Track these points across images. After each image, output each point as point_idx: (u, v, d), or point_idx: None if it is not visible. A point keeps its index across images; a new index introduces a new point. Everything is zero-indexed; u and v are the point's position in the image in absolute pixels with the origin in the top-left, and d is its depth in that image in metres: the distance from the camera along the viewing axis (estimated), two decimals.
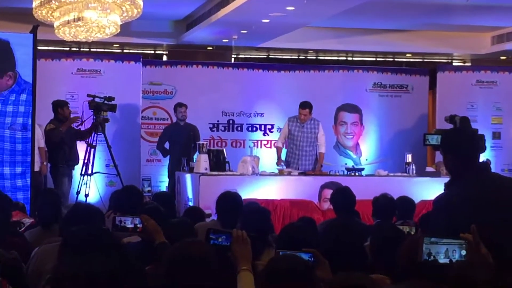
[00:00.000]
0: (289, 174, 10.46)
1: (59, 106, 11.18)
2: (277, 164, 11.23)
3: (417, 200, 8.42)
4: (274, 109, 13.34)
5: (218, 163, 10.38)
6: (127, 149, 12.36)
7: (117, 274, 2.35)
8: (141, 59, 12.95)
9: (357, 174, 10.89)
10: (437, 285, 3.14)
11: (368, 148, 13.73)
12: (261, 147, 13.20)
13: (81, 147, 11.30)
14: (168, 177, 12.00)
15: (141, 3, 9.85)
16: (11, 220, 6.37)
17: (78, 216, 4.72)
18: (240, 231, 3.88)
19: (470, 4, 12.01)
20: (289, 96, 13.10)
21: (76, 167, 11.26)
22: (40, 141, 10.89)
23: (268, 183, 10.10)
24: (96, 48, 14.58)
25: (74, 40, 10.77)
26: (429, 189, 9.58)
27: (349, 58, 15.98)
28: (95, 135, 11.16)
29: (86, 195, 10.84)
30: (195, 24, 13.30)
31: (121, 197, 7.04)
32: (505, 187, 4.01)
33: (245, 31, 12.95)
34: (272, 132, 13.37)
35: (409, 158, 10.86)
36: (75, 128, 11.31)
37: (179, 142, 11.82)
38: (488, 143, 13.03)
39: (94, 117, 11.18)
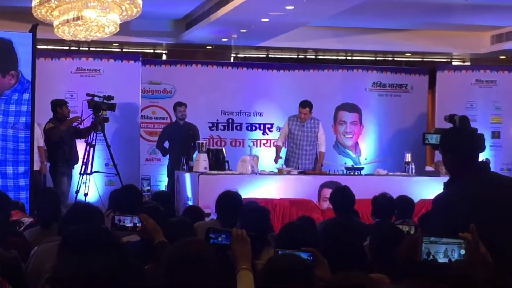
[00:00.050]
0: (288, 173, 10.46)
1: (58, 106, 11.18)
2: (275, 161, 11.24)
3: (416, 199, 8.42)
4: (274, 108, 13.34)
5: (218, 162, 10.38)
6: (126, 148, 12.36)
7: (117, 273, 2.35)
8: (141, 58, 12.94)
9: (356, 173, 10.89)
10: (436, 285, 3.14)
11: (367, 148, 13.73)
12: (260, 146, 13.20)
13: (80, 146, 11.30)
14: (168, 176, 12.00)
15: (141, 2, 9.85)
16: (10, 220, 6.38)
17: (78, 215, 4.72)
18: (240, 230, 3.88)
19: (469, 3, 12.00)
20: (289, 95, 13.10)
21: (75, 166, 11.26)
22: (39, 140, 10.89)
23: (267, 182, 10.10)
24: (96, 47, 14.58)
25: (74, 39, 10.77)
26: (428, 189, 9.59)
27: (349, 58, 15.97)
28: (95, 134, 11.15)
29: (86, 194, 10.83)
30: (195, 23, 13.29)
31: (120, 197, 7.04)
32: (504, 187, 4.01)
33: (245, 30, 12.95)
34: (271, 131, 13.37)
35: (408, 157, 10.86)
36: (74, 126, 11.31)
37: (179, 141, 11.82)
38: (488, 142, 13.03)
39: (94, 116, 11.18)
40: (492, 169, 4.52)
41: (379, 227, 5.38)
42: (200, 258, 3.41)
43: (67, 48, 14.35)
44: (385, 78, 13.85)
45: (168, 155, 12.12)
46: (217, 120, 13.29)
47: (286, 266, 3.36)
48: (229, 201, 6.58)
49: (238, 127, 13.37)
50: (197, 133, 12.03)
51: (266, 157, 11.93)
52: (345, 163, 12.65)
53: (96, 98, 11.26)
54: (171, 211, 7.64)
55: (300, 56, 15.98)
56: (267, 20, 11.91)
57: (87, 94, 11.33)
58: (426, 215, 6.52)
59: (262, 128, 13.43)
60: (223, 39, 13.96)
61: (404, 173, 10.76)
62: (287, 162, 11.21)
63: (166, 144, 12.16)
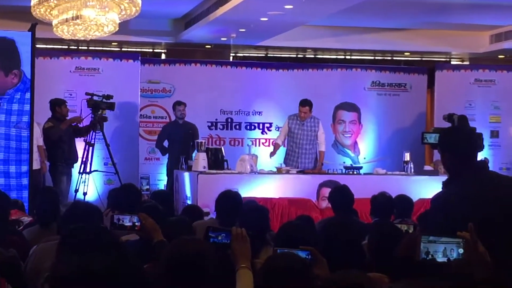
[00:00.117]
0: (287, 172, 10.47)
1: (57, 105, 11.19)
2: (270, 155, 11.26)
3: (415, 198, 8.42)
4: (273, 107, 13.35)
5: (217, 161, 10.38)
6: (125, 148, 12.37)
7: (116, 273, 2.35)
8: (140, 58, 12.94)
9: (355, 172, 10.89)
10: (435, 284, 3.14)
11: (366, 147, 13.73)
12: (259, 145, 13.21)
13: (79, 145, 11.30)
14: (167, 175, 12.01)
15: (140, 2, 9.85)
16: (10, 219, 6.38)
17: (77, 215, 4.72)
18: (239, 229, 3.88)
19: (468, 2, 12.01)
20: (288, 94, 13.11)
21: (74, 165, 11.26)
22: (39, 139, 10.89)
23: (266, 181, 10.11)
24: (95, 47, 14.57)
25: (73, 38, 10.77)
26: (427, 188, 9.59)
27: (348, 57, 15.97)
28: (94, 133, 11.16)
29: (85, 194, 10.84)
30: (194, 23, 13.29)
31: (119, 196, 7.04)
32: (503, 186, 4.01)
33: (244, 30, 12.95)
34: (270, 130, 13.37)
35: (407, 156, 10.86)
36: (74, 125, 11.31)
37: (178, 140, 11.82)
38: (486, 141, 13.03)
39: (93, 116, 11.18)
40: (490, 169, 4.51)
41: (378, 226, 5.38)
42: (199, 257, 3.41)
43: (66, 47, 14.34)
44: (384, 78, 13.86)
45: (167, 154, 12.12)
46: (216, 119, 13.29)
47: (285, 265, 3.36)
48: (229, 200, 6.57)
49: (237, 126, 13.37)
50: (197, 132, 12.04)
51: (265, 156, 11.93)
52: (344, 163, 12.67)
53: (95, 97, 11.27)
54: (170, 210, 7.65)
55: (299, 56, 15.98)
56: (266, 19, 11.91)
57: (86, 93, 11.33)
58: (425, 214, 6.52)
59: (261, 127, 13.43)
60: (222, 39, 13.95)
61: (403, 173, 10.77)
62: (286, 161, 11.21)
63: (166, 143, 12.16)
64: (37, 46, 10.76)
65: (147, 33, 14.19)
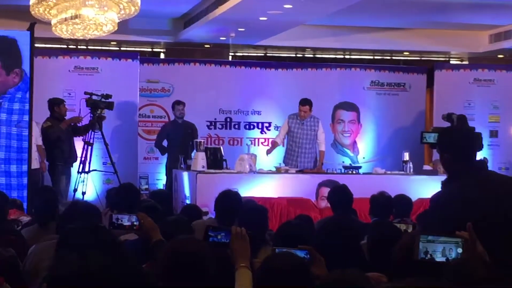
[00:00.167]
0: (286, 172, 10.46)
1: (55, 104, 11.18)
2: (267, 153, 11.27)
3: (414, 198, 8.42)
4: (272, 107, 13.35)
5: (215, 161, 10.37)
6: (124, 147, 12.37)
7: (114, 272, 2.35)
8: (139, 57, 12.94)
9: (354, 172, 10.89)
10: (434, 284, 3.14)
11: (365, 146, 13.74)
12: (258, 145, 13.21)
13: (78, 144, 11.30)
14: (166, 175, 12.01)
15: (139, 1, 9.84)
16: (8, 218, 6.38)
17: (75, 214, 4.72)
18: (239, 228, 3.88)
19: (467, 2, 12.01)
20: (287, 94, 13.12)
21: (73, 164, 11.26)
22: (38, 139, 10.89)
23: (265, 181, 10.10)
24: (94, 46, 14.57)
25: (72, 37, 10.75)
26: (426, 187, 9.58)
27: (347, 56, 15.97)
28: (92, 132, 11.15)
29: (83, 193, 10.84)
30: (193, 22, 13.28)
31: (118, 195, 7.04)
32: (502, 185, 4.01)
33: (243, 29, 12.94)
34: (269, 130, 13.37)
35: (406, 156, 10.86)
36: (72, 125, 11.31)
37: (177, 140, 11.82)
38: (485, 141, 13.03)
39: (92, 115, 11.18)
40: (490, 168, 4.51)
41: (377, 226, 5.38)
42: (196, 256, 3.42)
43: (65, 46, 14.33)
44: (383, 77, 13.87)
45: (166, 154, 12.12)
46: (215, 119, 13.29)
47: (283, 264, 3.36)
48: (229, 200, 6.54)
49: (236, 126, 13.37)
50: (196, 132, 12.04)
51: (264, 156, 11.92)
52: (343, 162, 12.66)
53: (94, 97, 11.26)
54: (169, 210, 7.65)
55: (298, 55, 15.98)
56: (265, 18, 11.90)
57: (85, 93, 11.33)
58: (424, 214, 6.53)
59: (260, 126, 13.43)
60: (221, 38, 13.95)
61: (402, 172, 10.77)
62: (286, 160, 11.21)
63: (165, 143, 12.15)
64: (36, 45, 10.76)
65: (146, 32, 14.19)
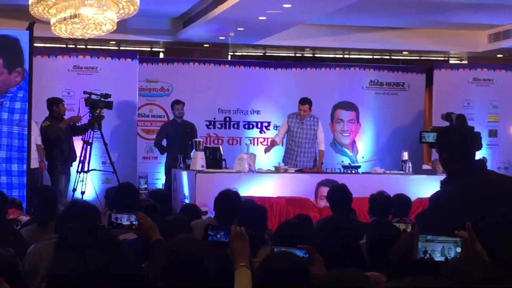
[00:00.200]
0: (285, 171, 10.46)
1: (54, 104, 11.18)
2: (265, 151, 11.29)
3: (413, 197, 8.43)
4: (271, 106, 13.35)
5: (215, 160, 10.37)
6: (123, 147, 12.37)
7: (113, 272, 2.35)
8: (138, 56, 12.94)
9: (353, 171, 10.89)
10: (433, 283, 3.14)
11: (364, 146, 13.74)
12: (257, 144, 13.20)
13: (77, 144, 11.29)
14: (165, 174, 12.01)
15: (138, 0, 9.84)
16: (7, 218, 6.38)
17: (74, 213, 4.72)
18: (238, 227, 3.88)
19: (466, 1, 12.01)
20: (286, 93, 13.12)
21: (73, 164, 11.26)
22: (37, 138, 10.90)
23: (264, 180, 10.10)
24: (93, 45, 14.56)
25: (71, 37, 10.75)
26: (425, 187, 9.58)
27: (346, 56, 15.97)
28: (92, 132, 11.15)
29: (82, 193, 10.84)
30: (192, 22, 13.28)
31: (117, 195, 7.04)
32: (501, 185, 4.01)
33: (242, 29, 12.94)
34: (268, 129, 13.37)
35: (405, 155, 10.86)
36: (71, 124, 11.31)
37: (177, 139, 11.82)
38: (485, 141, 13.03)
39: (91, 114, 11.18)
40: (489, 168, 4.52)
41: (376, 226, 5.39)
42: (195, 255, 3.41)
43: (64, 46, 14.33)
44: (382, 77, 13.87)
45: (166, 153, 12.12)
46: (214, 118, 13.29)
47: (282, 263, 3.37)
48: (228, 200, 6.54)
49: (235, 125, 13.37)
50: (195, 132, 12.04)
51: (263, 155, 11.93)
52: (342, 162, 12.67)
53: (93, 96, 11.27)
54: (168, 209, 7.65)
55: (297, 54, 15.98)
56: (264, 18, 11.90)
57: (84, 92, 11.33)
58: (423, 214, 6.53)
59: (259, 126, 13.42)
60: (221, 37, 13.95)
61: (401, 172, 10.77)
62: (285, 160, 11.21)
63: (164, 142, 12.15)
64: (35, 45, 10.76)
65: (145, 32, 14.18)
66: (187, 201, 9.96)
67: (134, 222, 4.45)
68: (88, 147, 11.10)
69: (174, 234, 4.09)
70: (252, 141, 13.17)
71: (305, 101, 11.09)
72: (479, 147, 11.52)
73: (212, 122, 13.28)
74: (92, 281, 2.28)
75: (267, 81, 13.44)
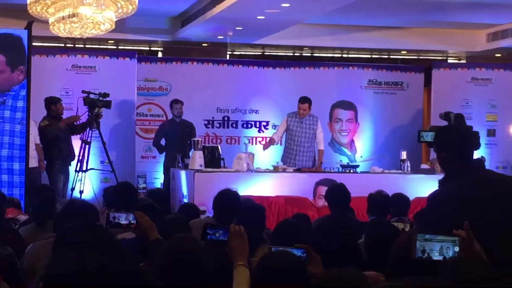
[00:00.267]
0: (284, 171, 10.46)
1: (52, 103, 11.17)
2: (264, 147, 11.30)
3: (411, 197, 8.43)
4: (269, 106, 13.34)
5: (213, 159, 10.38)
6: (122, 146, 12.36)
7: (112, 271, 2.35)
8: (136, 56, 12.93)
9: (352, 171, 10.89)
10: (431, 282, 3.14)
11: (363, 145, 13.74)
12: (256, 143, 13.20)
13: (76, 143, 11.29)
14: (164, 173, 12.01)
15: (136, 0, 9.84)
16: (6, 217, 6.38)
17: (73, 213, 4.72)
18: (237, 226, 3.88)
19: (465, 1, 12.02)
20: (284, 93, 13.12)
21: (71, 163, 11.25)
22: (36, 137, 10.89)
23: (263, 179, 10.10)
24: (91, 45, 14.56)
25: (69, 36, 10.75)
26: (424, 186, 9.58)
27: (344, 55, 15.98)
28: (90, 131, 11.15)
29: (81, 192, 10.84)
30: (190, 21, 13.28)
31: (115, 194, 7.04)
32: (499, 184, 4.01)
33: (240, 28, 12.95)
34: (267, 129, 13.37)
35: (404, 155, 10.87)
36: (70, 123, 11.30)
37: (175, 138, 11.82)
38: (483, 140, 13.04)
39: (89, 114, 11.17)
40: (487, 167, 4.52)
41: (374, 225, 5.39)
42: (193, 254, 3.42)
43: (63, 45, 14.32)
44: (381, 76, 13.86)
45: (164, 153, 12.12)
46: (213, 118, 13.29)
47: (279, 262, 3.36)
48: (227, 199, 6.52)
49: (234, 125, 13.37)
50: (194, 131, 12.04)
51: (262, 154, 11.93)
52: (341, 161, 12.66)
53: (91, 95, 11.26)
54: (166, 208, 7.65)
55: (295, 54, 15.99)
56: (262, 17, 11.90)
57: (83, 91, 11.32)
58: (421, 213, 6.53)
59: (257, 125, 13.42)
60: (219, 37, 13.95)
61: (400, 171, 10.77)
62: (284, 159, 11.21)
63: (163, 142, 12.15)
64: (34, 44, 10.76)
65: (144, 31, 14.19)
66: (185, 200, 9.96)
67: (132, 221, 4.45)
68: (87, 146, 11.09)
69: (172, 233, 4.09)
70: (250, 140, 13.17)
71: (304, 100, 11.09)
72: (477, 146, 11.51)
73: (211, 122, 13.28)
74: (90, 280, 2.28)
75: (266, 80, 13.43)
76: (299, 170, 10.59)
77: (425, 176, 10.29)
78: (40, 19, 10.22)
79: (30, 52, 9.98)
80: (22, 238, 5.51)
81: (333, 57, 15.77)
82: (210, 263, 3.44)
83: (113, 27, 10.20)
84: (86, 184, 10.97)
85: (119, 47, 15.05)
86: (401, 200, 7.60)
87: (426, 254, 3.25)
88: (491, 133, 13.74)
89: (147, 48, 15.39)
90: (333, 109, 13.65)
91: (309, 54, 15.96)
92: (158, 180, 12.64)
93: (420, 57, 16.17)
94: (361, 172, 11.06)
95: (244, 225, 3.96)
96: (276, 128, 12.22)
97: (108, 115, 11.63)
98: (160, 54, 15.32)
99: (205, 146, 10.83)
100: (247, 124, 13.40)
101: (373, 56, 16.02)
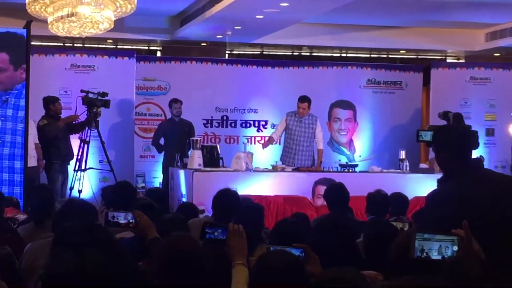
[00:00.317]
0: (282, 170, 10.46)
1: (51, 102, 11.16)
2: (263, 146, 11.30)
3: (410, 196, 8.43)
4: (268, 105, 13.34)
5: (212, 159, 10.37)
6: (120, 145, 12.36)
7: (110, 270, 2.35)
8: (135, 55, 12.93)
9: (350, 170, 10.89)
10: (430, 282, 3.14)
11: (362, 145, 13.74)
12: (254, 143, 13.20)
13: (74, 142, 11.29)
14: (163, 173, 12.00)
15: None
16: (4, 216, 6.37)
17: (71, 212, 4.72)
18: (236, 225, 3.88)
19: (464, 0, 12.02)
20: (283, 92, 13.11)
21: (70, 162, 11.25)
22: (35, 137, 10.89)
23: (261, 179, 10.10)
24: (90, 44, 14.55)
25: (68, 35, 10.74)
26: (422, 186, 9.59)
27: (343, 55, 15.98)
28: (89, 131, 11.15)
29: (80, 191, 10.84)
30: (189, 20, 13.28)
31: (114, 193, 7.04)
32: (498, 183, 4.01)
33: (239, 27, 12.94)
34: (266, 128, 13.37)
35: (402, 154, 10.87)
36: (68, 122, 11.30)
37: (174, 138, 11.81)
38: (482, 140, 13.05)
39: (88, 113, 11.17)
40: (486, 167, 4.52)
41: (373, 224, 5.39)
42: (190, 253, 3.42)
43: (62, 44, 14.32)
44: (380, 75, 13.86)
45: (163, 152, 12.12)
46: (212, 117, 13.28)
47: (277, 262, 3.36)
48: (227, 199, 6.52)
49: (233, 124, 13.36)
50: (193, 130, 12.03)
51: (261, 154, 11.93)
52: (340, 160, 12.65)
53: (90, 95, 11.26)
54: (165, 208, 7.66)
55: (294, 53, 15.99)
56: (261, 17, 11.90)
57: (82, 91, 11.32)
58: (420, 212, 6.54)
59: (256, 125, 13.42)
60: (218, 36, 13.95)
61: (398, 170, 10.77)
62: (283, 158, 11.22)
63: (162, 141, 12.15)
64: (33, 43, 10.75)
65: (143, 30, 14.18)
66: (184, 199, 9.96)
67: (131, 221, 4.45)
68: (85, 145, 11.09)
69: (171, 232, 4.09)
70: (249, 139, 13.16)
71: (304, 99, 11.10)
72: (476, 146, 11.54)
73: (210, 121, 13.27)
74: (89, 279, 2.28)
75: (265, 80, 13.43)
76: (297, 170, 10.59)
77: (423, 176, 10.29)
78: (39, 18, 10.22)
79: (29, 51, 9.98)
80: (21, 238, 5.51)
81: (332, 56, 15.77)
82: (209, 262, 3.44)
83: (112, 26, 10.19)
84: (84, 183, 10.97)
85: (118, 47, 15.04)
86: (400, 199, 7.60)
87: (424, 254, 3.25)
88: (490, 132, 13.74)
89: (146, 48, 15.38)
90: (332, 109, 13.65)
91: (308, 54, 15.97)
92: (157, 179, 12.63)
93: (419, 57, 16.17)
94: (360, 172, 11.06)
95: (242, 224, 3.95)
96: (275, 127, 12.22)
97: (107, 114, 11.62)
98: (159, 54, 15.32)
99: (204, 145, 10.82)
100: (246, 124, 13.40)
101: (372, 55, 16.02)
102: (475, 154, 4.55)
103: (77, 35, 10.59)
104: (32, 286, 4.22)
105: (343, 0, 11.01)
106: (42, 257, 4.24)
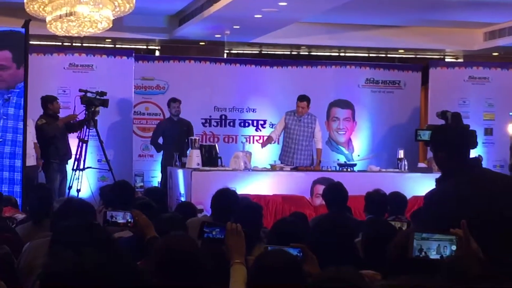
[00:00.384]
0: (281, 169, 10.46)
1: (49, 102, 11.15)
2: (262, 145, 11.30)
3: (409, 196, 8.43)
4: (267, 104, 13.34)
5: (210, 158, 10.38)
6: (119, 145, 12.35)
7: (109, 270, 2.35)
8: (134, 54, 12.92)
9: (349, 169, 10.89)
10: (428, 281, 3.14)
11: (360, 144, 13.74)
12: (253, 142, 13.20)
13: (73, 142, 11.28)
14: (161, 172, 12.00)
15: None
16: (2, 216, 6.38)
17: (70, 211, 4.71)
18: (234, 224, 3.88)
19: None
20: (282, 91, 13.11)
21: (68, 161, 11.24)
22: (35, 136, 10.89)
23: (260, 178, 10.10)
24: (88, 43, 14.54)
25: (66, 35, 10.74)
26: (421, 185, 9.58)
27: (342, 54, 15.97)
28: (87, 130, 11.14)
29: (78, 190, 10.83)
30: (188, 19, 13.28)
31: (112, 192, 7.04)
32: (496, 183, 4.01)
33: (238, 27, 12.94)
34: (264, 127, 13.37)
35: (401, 154, 10.88)
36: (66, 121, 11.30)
37: (173, 137, 11.81)
38: (480, 139, 13.05)
39: (86, 112, 11.16)
40: (484, 166, 4.52)
41: (371, 224, 5.39)
42: (188, 252, 3.41)
43: (60, 43, 14.31)
44: (378, 75, 13.86)
45: (162, 151, 12.11)
46: (210, 116, 13.28)
47: (275, 261, 3.36)
48: (226, 199, 6.51)
49: (231, 123, 13.36)
50: (191, 129, 12.03)
51: (259, 153, 11.93)
52: (338, 160, 12.66)
53: (88, 94, 11.25)
54: (163, 207, 7.64)
55: (293, 53, 15.98)
56: (260, 16, 11.90)
57: (80, 90, 11.31)
58: (419, 212, 6.54)
59: (255, 124, 13.42)
60: (216, 35, 13.94)
61: (397, 170, 10.78)
62: (282, 157, 11.21)
63: (160, 140, 12.15)
64: (31, 42, 10.75)
65: (141, 29, 14.17)
66: (182, 199, 9.96)
67: (129, 220, 4.45)
68: (84, 145, 11.08)
69: (169, 232, 4.09)
70: (248, 139, 13.16)
71: (303, 98, 11.10)
72: (474, 145, 11.55)
73: (208, 120, 13.27)
74: (87, 279, 2.28)
75: (263, 79, 13.43)
76: (296, 169, 10.59)
77: (422, 175, 10.29)
78: (37, 18, 10.22)
79: (27, 51, 9.98)
80: (19, 237, 5.50)
81: (330, 55, 15.76)
82: (207, 261, 3.43)
83: (111, 25, 10.19)
84: (83, 182, 10.96)
85: (117, 46, 15.03)
86: (398, 198, 7.60)
87: (423, 253, 3.25)
88: (488, 132, 13.74)
89: (145, 47, 15.37)
90: (330, 108, 13.65)
91: (307, 53, 15.96)
92: (156, 178, 12.63)
93: (418, 56, 16.17)
94: (359, 171, 11.06)
95: (241, 224, 3.95)
96: (274, 126, 12.22)
97: (105, 113, 11.61)
98: (157, 53, 15.31)
99: (202, 144, 10.82)
100: (244, 123, 13.40)
101: (371, 55, 16.02)
102: (473, 153, 4.55)
103: (76, 34, 10.58)
104: (31, 286, 4.21)
105: (341, 0, 11.01)
106: (41, 257, 4.24)
